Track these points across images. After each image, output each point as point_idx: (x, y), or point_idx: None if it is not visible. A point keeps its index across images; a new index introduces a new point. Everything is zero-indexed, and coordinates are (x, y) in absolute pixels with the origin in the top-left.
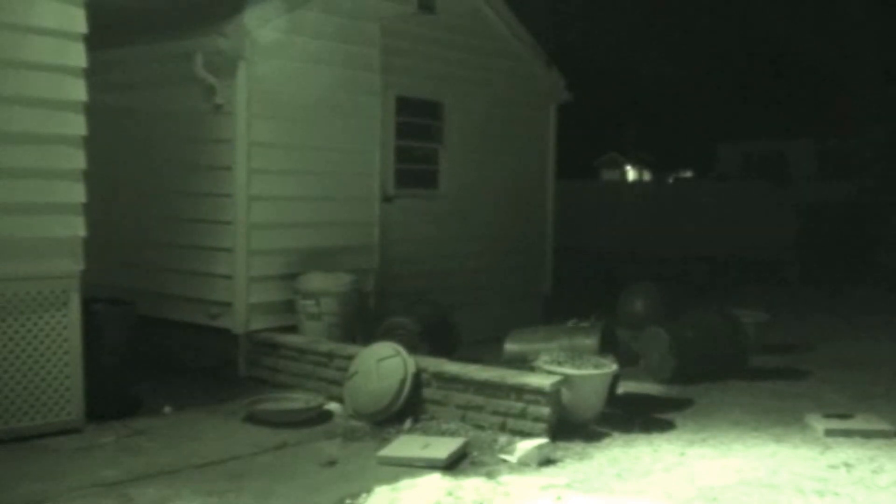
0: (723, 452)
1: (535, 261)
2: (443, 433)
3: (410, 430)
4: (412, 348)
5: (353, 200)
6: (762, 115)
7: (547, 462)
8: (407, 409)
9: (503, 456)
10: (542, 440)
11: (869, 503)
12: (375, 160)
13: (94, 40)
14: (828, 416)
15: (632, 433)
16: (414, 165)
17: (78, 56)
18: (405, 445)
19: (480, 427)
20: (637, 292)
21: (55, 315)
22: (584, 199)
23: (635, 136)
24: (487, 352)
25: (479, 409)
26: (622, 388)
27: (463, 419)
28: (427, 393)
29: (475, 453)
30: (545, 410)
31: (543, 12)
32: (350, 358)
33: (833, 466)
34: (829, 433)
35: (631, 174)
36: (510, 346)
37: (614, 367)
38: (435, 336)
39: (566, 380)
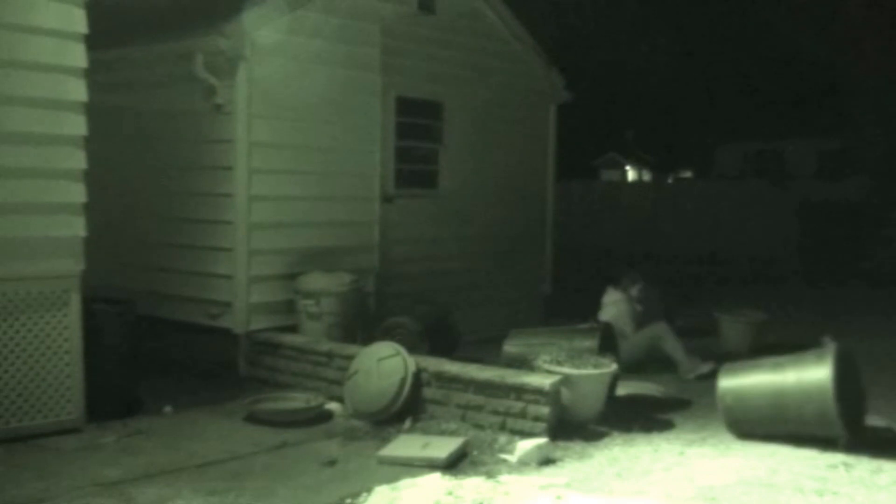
0: (722, 452)
1: (535, 261)
2: (443, 433)
3: (410, 430)
4: (412, 348)
5: (353, 200)
6: (762, 115)
7: (547, 461)
8: (407, 409)
9: (503, 455)
10: (542, 440)
11: (868, 503)
12: (375, 160)
13: (94, 40)
14: None
15: (631, 433)
16: (414, 165)
17: (78, 56)
18: (405, 445)
19: (480, 427)
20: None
21: (55, 315)
22: (585, 199)
23: (635, 136)
24: (487, 352)
25: (479, 408)
26: (622, 389)
27: (463, 419)
28: (427, 392)
29: (475, 453)
30: (545, 410)
31: (544, 12)
32: (350, 358)
33: (832, 466)
34: None
35: (631, 174)
36: (509, 348)
37: (614, 366)
38: (435, 336)
39: (566, 379)
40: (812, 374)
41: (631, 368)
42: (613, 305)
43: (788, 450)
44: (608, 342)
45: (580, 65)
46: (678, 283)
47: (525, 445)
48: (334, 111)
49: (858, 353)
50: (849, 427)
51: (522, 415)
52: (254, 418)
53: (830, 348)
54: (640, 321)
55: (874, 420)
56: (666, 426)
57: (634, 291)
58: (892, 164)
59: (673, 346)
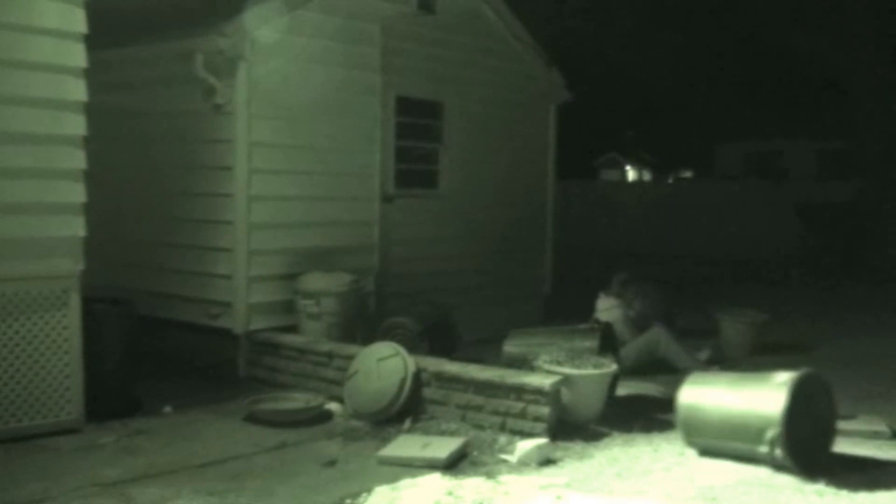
0: None
1: (535, 261)
2: (443, 433)
3: (410, 430)
4: (412, 348)
5: (353, 200)
6: (762, 115)
7: (547, 462)
8: (407, 409)
9: (503, 456)
10: (542, 440)
11: (869, 503)
12: (375, 160)
13: (95, 40)
14: None
15: (631, 433)
16: (414, 165)
17: (78, 56)
18: (405, 445)
19: (480, 427)
20: (635, 293)
21: (55, 315)
22: (585, 199)
23: (635, 136)
24: (487, 352)
25: (479, 408)
26: (622, 389)
27: (463, 419)
28: (427, 393)
29: (475, 453)
30: (545, 410)
31: (544, 12)
32: (350, 358)
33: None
34: None
35: (631, 174)
36: (509, 348)
37: (614, 367)
38: (435, 336)
39: (566, 379)
40: (765, 403)
41: (633, 370)
42: (607, 312)
43: None
44: (608, 342)
45: (580, 65)
46: (678, 283)
47: (525, 445)
48: (334, 111)
49: (858, 353)
50: (802, 460)
51: (522, 415)
52: (254, 418)
53: (791, 376)
54: (641, 323)
55: (872, 420)
56: (666, 426)
57: (629, 295)
58: (892, 164)
59: (675, 351)
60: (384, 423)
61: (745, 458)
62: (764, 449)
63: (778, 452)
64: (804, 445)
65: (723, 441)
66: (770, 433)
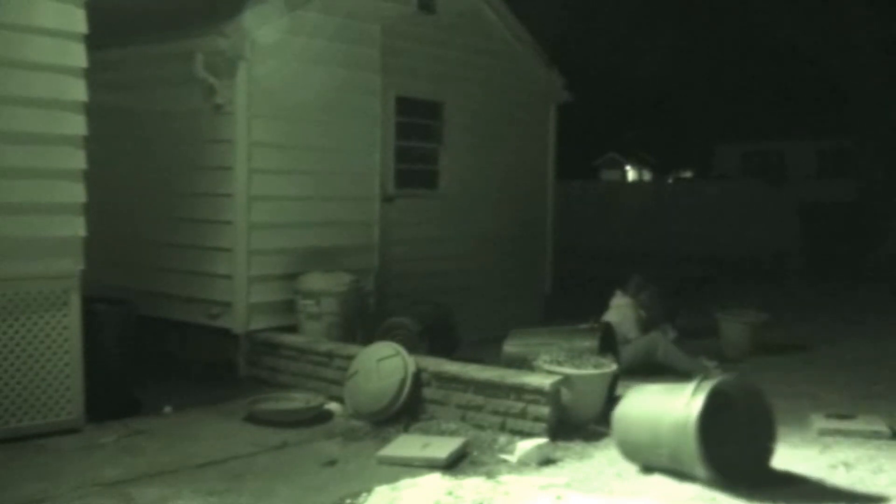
0: None
1: (535, 261)
2: (443, 433)
3: (410, 430)
4: (412, 348)
5: (353, 200)
6: (762, 116)
7: (547, 462)
8: (407, 409)
9: (503, 456)
10: (542, 440)
11: (871, 502)
12: (375, 160)
13: (94, 40)
14: (829, 416)
15: None
16: (414, 165)
17: (78, 56)
18: (405, 445)
19: (480, 427)
20: (650, 296)
21: (55, 315)
22: (585, 199)
23: (635, 136)
24: (487, 352)
25: (479, 408)
26: (622, 389)
27: (463, 419)
28: (427, 392)
29: (475, 453)
30: (545, 410)
31: (544, 12)
32: (350, 358)
33: (832, 466)
34: (828, 433)
35: (631, 174)
36: (509, 348)
37: (614, 367)
38: (435, 336)
39: (566, 380)
40: (681, 410)
41: (631, 371)
42: (617, 310)
43: (788, 450)
44: (608, 342)
45: (580, 65)
46: (678, 283)
47: (525, 445)
48: (334, 111)
49: (858, 353)
50: (729, 471)
51: (522, 415)
52: (254, 418)
53: (706, 383)
54: (646, 326)
55: (872, 420)
56: None
57: (643, 297)
58: (892, 164)
59: (674, 355)
60: (384, 423)
61: (676, 473)
62: (676, 456)
63: (697, 463)
64: (732, 456)
65: (650, 452)
66: (685, 441)
